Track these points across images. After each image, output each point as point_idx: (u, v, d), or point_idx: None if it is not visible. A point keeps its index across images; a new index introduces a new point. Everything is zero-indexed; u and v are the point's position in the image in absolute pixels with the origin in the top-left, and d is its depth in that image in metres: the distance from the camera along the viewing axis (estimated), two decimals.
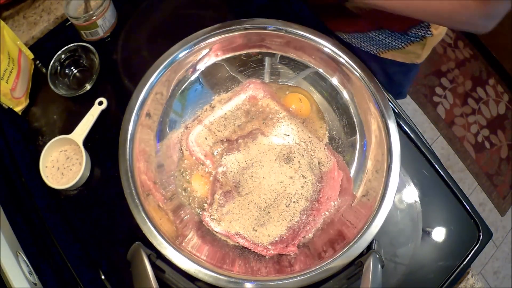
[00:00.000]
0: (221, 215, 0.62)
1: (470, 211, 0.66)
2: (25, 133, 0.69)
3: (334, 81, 0.67)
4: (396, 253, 0.63)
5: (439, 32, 0.68)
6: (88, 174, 0.66)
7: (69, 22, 0.75)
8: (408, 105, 1.76)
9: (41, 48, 0.74)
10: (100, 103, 0.68)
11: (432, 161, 0.68)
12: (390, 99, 0.68)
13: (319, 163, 0.65)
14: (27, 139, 0.69)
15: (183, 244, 0.57)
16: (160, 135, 0.65)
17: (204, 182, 0.65)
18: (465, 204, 0.66)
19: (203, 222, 0.63)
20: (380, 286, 0.51)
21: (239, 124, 0.68)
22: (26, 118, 0.70)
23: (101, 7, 0.70)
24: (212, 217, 0.62)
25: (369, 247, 0.55)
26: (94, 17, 0.69)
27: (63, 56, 0.72)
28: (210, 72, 0.68)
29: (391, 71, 0.80)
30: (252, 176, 0.62)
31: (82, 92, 0.70)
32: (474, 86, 1.88)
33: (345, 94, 0.67)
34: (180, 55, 0.64)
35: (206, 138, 0.67)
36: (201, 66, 0.67)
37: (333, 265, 0.54)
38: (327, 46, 0.64)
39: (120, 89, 0.72)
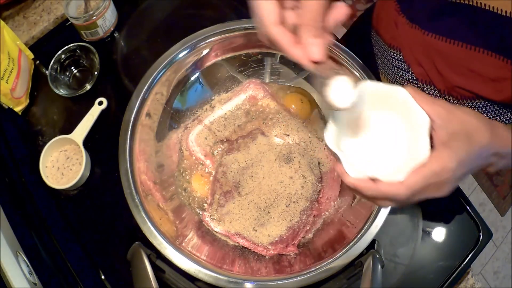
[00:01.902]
0: (221, 215, 0.62)
1: (470, 211, 0.66)
2: (25, 133, 0.69)
3: None
4: (396, 253, 0.63)
5: None
6: (88, 174, 0.66)
7: (69, 22, 0.75)
8: None
9: (41, 48, 0.75)
10: (100, 103, 0.68)
11: None
12: None
13: (319, 163, 0.65)
14: (27, 139, 0.69)
15: (183, 244, 0.57)
16: (160, 135, 0.65)
17: (204, 182, 0.65)
18: (465, 204, 0.66)
19: (203, 222, 0.63)
20: (380, 286, 0.51)
21: (239, 124, 0.68)
22: (26, 118, 0.70)
23: (101, 7, 0.70)
24: (212, 217, 0.62)
25: (369, 247, 0.55)
26: (94, 17, 0.69)
27: (63, 56, 0.72)
28: (210, 72, 0.68)
29: None
30: (252, 176, 0.62)
31: (82, 92, 0.70)
32: None
33: None
34: (180, 55, 0.64)
35: (206, 138, 0.67)
36: (201, 66, 0.67)
37: (333, 265, 0.54)
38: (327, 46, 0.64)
39: (120, 89, 0.72)
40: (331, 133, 0.43)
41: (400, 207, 0.42)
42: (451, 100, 0.58)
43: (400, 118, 0.44)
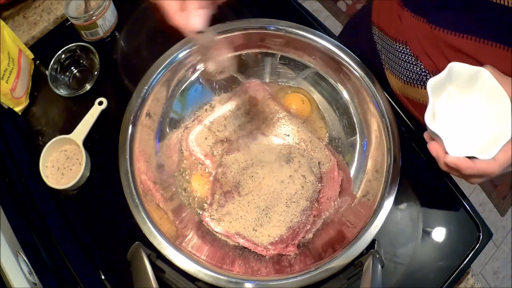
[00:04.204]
0: (221, 215, 0.62)
1: (470, 211, 0.66)
2: (25, 133, 0.69)
3: (334, 81, 0.67)
4: (396, 253, 0.63)
5: None
6: (88, 174, 0.66)
7: (69, 22, 0.75)
8: None
9: (41, 48, 0.74)
10: (100, 103, 0.68)
11: (432, 161, 0.68)
12: (389, 99, 0.68)
13: (319, 163, 0.65)
14: (27, 139, 0.69)
15: (183, 244, 0.57)
16: (160, 135, 0.65)
17: (204, 182, 0.65)
18: (465, 204, 0.66)
19: (203, 222, 0.63)
20: (380, 286, 0.51)
21: (239, 124, 0.68)
22: (26, 118, 0.70)
23: (101, 7, 0.70)
24: (212, 217, 0.62)
25: (369, 247, 0.55)
26: (94, 17, 0.69)
27: (63, 56, 0.72)
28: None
29: None
30: (252, 176, 0.62)
31: (82, 92, 0.70)
32: None
33: (345, 94, 0.67)
34: (180, 55, 0.64)
35: (206, 138, 0.67)
36: (201, 66, 0.67)
37: (333, 265, 0.54)
38: (327, 46, 0.64)
39: (120, 89, 0.72)
40: (430, 116, 0.47)
41: (486, 179, 0.48)
42: None
43: (486, 99, 0.49)
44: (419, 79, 0.62)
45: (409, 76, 0.64)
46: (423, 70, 0.61)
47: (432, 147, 0.47)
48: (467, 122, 0.50)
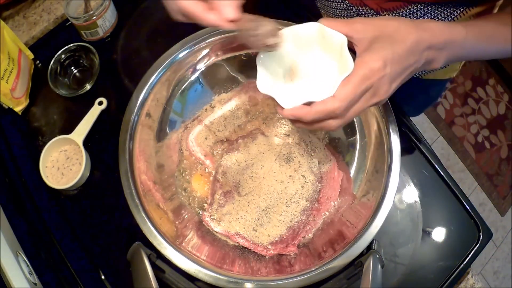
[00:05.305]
0: (221, 215, 0.62)
1: (470, 211, 0.66)
2: (25, 133, 0.69)
3: None
4: (396, 253, 0.63)
5: None
6: (88, 174, 0.66)
7: (69, 22, 0.75)
8: None
9: (41, 48, 0.74)
10: (100, 103, 0.68)
11: (432, 161, 0.68)
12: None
13: (319, 163, 0.65)
14: (27, 139, 0.69)
15: (183, 244, 0.57)
16: (160, 135, 0.65)
17: (204, 182, 0.65)
18: (465, 204, 0.66)
19: (203, 222, 0.63)
20: (380, 286, 0.51)
21: (239, 124, 0.68)
22: (26, 118, 0.70)
23: (101, 7, 0.70)
24: (212, 217, 0.62)
25: (369, 247, 0.55)
26: (94, 17, 0.69)
27: (63, 56, 0.72)
28: (210, 72, 0.68)
29: (426, 91, 0.77)
30: (252, 176, 0.62)
31: (82, 92, 0.70)
32: (474, 86, 1.88)
33: None
34: (180, 55, 0.64)
35: (206, 138, 0.67)
36: (201, 66, 0.67)
37: (333, 265, 0.54)
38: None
39: (120, 89, 0.72)
40: (262, 79, 0.47)
41: (346, 122, 0.44)
42: (387, 15, 0.61)
43: (320, 48, 0.47)
44: (348, 15, 0.66)
45: (339, 15, 0.68)
46: (348, 4, 0.64)
47: (278, 109, 0.45)
48: (309, 77, 0.48)
